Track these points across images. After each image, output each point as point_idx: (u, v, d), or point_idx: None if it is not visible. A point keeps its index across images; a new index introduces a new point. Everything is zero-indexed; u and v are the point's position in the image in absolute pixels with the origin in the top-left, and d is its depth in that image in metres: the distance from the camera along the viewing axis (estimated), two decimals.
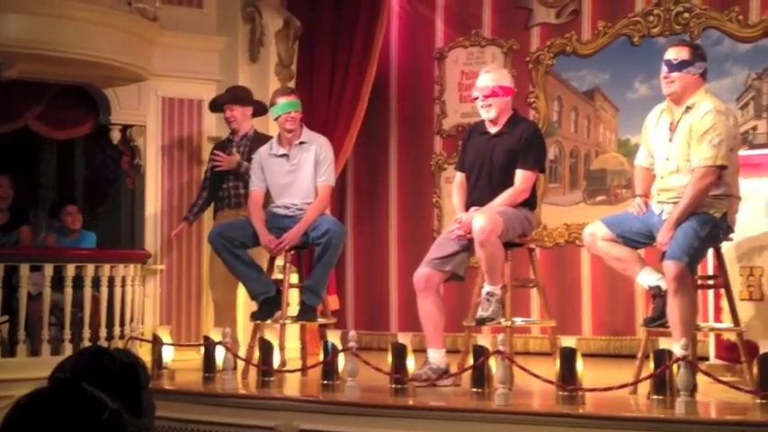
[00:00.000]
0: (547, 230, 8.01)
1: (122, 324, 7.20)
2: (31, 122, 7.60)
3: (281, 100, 6.54)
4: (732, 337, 5.68)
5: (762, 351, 4.65)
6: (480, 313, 5.65)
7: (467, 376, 5.32)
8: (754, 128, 7.41)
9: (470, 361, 5.22)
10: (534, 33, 8.20)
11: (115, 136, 7.87)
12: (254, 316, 6.45)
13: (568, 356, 4.90)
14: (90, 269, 7.05)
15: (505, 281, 5.70)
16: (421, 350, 5.80)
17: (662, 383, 4.79)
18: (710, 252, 5.48)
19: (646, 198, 5.50)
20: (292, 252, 6.48)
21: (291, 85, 8.01)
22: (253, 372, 6.02)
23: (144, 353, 6.28)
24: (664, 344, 4.88)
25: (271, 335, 6.00)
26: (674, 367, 4.68)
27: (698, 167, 5.13)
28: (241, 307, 7.20)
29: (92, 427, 1.62)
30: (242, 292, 6.89)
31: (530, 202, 5.88)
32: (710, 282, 5.74)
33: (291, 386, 5.95)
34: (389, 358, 5.32)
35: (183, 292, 7.91)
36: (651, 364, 4.88)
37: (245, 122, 7.21)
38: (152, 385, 2.19)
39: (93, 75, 7.42)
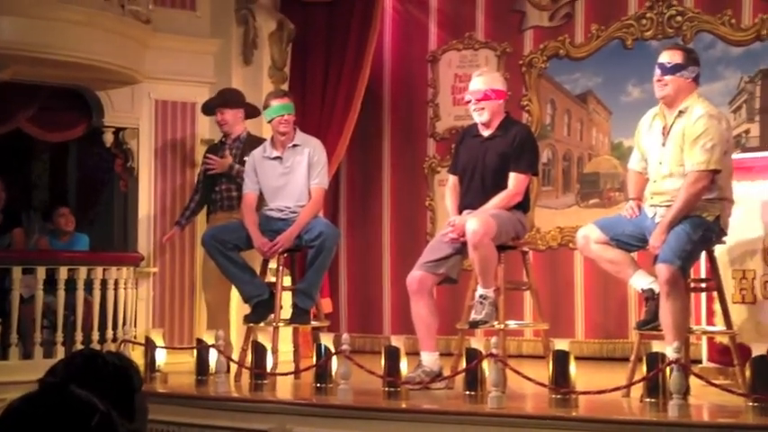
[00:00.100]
0: (540, 233, 8.01)
1: (115, 327, 7.18)
2: (23, 125, 7.58)
3: (275, 103, 6.54)
4: (725, 340, 5.69)
5: (754, 354, 4.65)
6: (473, 316, 5.65)
7: (460, 379, 5.32)
8: (747, 131, 7.42)
9: (463, 364, 5.22)
10: (527, 36, 8.21)
11: (108, 138, 7.85)
12: (247, 319, 6.44)
13: (561, 359, 4.90)
14: (83, 272, 7.03)
15: (499, 284, 5.70)
16: (414, 353, 5.79)
17: (655, 386, 4.79)
18: (703, 255, 5.49)
19: (639, 201, 5.50)
20: (285, 255, 6.47)
21: (285, 87, 8.00)
22: (246, 375, 6.01)
23: (137, 356, 6.28)
24: (657, 347, 4.88)
25: (264, 338, 6.00)
26: (667, 370, 4.69)
27: (691, 172, 5.14)
28: (234, 310, 7.19)
29: (82, 431, 1.62)
30: (235, 294, 6.88)
31: (523, 205, 5.89)
32: (703, 285, 5.76)
33: (284, 389, 5.94)
34: (382, 361, 5.32)
35: (176, 294, 7.90)
36: (644, 367, 4.89)
37: (237, 125, 7.21)
38: (145, 388, 2.18)
39: (86, 77, 7.41)
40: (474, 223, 5.52)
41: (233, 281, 6.56)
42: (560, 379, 4.89)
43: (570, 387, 4.87)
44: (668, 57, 5.32)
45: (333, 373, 5.48)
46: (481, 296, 5.62)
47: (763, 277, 5.79)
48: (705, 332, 5.89)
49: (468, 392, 5.13)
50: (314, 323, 6.54)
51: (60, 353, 6.66)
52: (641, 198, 5.50)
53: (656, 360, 4.79)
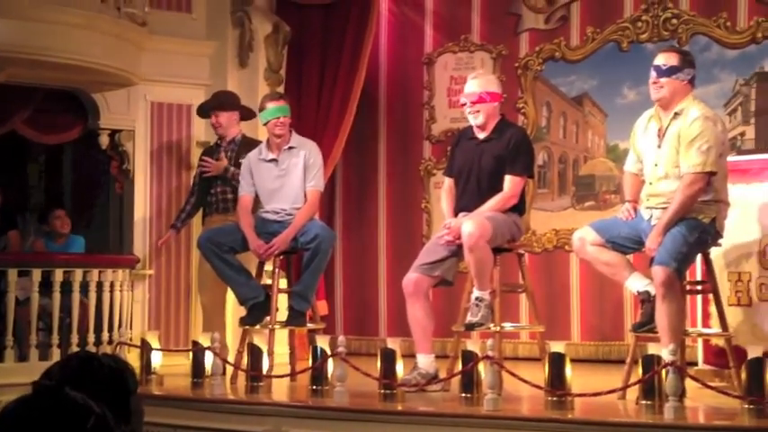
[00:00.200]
0: (536, 236, 8.02)
1: (111, 329, 7.17)
2: (19, 127, 7.57)
3: (271, 105, 6.53)
4: (720, 342, 5.69)
5: (750, 356, 4.66)
6: (469, 318, 5.65)
7: (456, 381, 5.32)
8: (742, 134, 7.43)
9: (459, 366, 5.22)
10: (523, 39, 8.22)
11: (104, 141, 7.85)
12: (242, 321, 6.43)
13: (557, 362, 4.90)
14: (78, 274, 7.03)
15: (494, 286, 5.70)
16: (410, 355, 5.79)
17: (650, 389, 4.79)
18: (699, 257, 5.49)
19: (635, 203, 5.51)
20: (281, 257, 6.47)
21: (280, 90, 8.00)
22: (242, 377, 6.00)
23: (132, 358, 6.26)
24: (652, 349, 4.88)
25: (260, 340, 5.99)
26: (663, 372, 4.69)
27: (687, 174, 5.15)
28: (230, 312, 7.19)
29: None
30: (231, 297, 6.87)
31: (518, 208, 5.89)
32: (699, 287, 5.76)
33: (280, 391, 5.94)
34: (378, 363, 5.31)
35: (172, 297, 7.89)
36: (640, 370, 4.88)
37: (232, 127, 7.21)
38: (140, 391, 2.18)
39: (81, 79, 7.40)
40: (470, 226, 5.52)
41: (229, 283, 6.56)
42: (556, 381, 4.88)
43: (566, 389, 4.87)
44: (664, 59, 5.33)
45: (329, 376, 5.48)
46: (477, 298, 5.62)
47: (758, 279, 5.79)
48: (701, 334, 5.89)
49: (463, 395, 5.13)
50: (310, 325, 6.53)
51: (56, 355, 6.66)
52: (637, 200, 5.51)
53: (651, 362, 4.79)
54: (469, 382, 5.11)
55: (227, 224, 6.73)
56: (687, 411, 4.68)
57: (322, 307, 7.69)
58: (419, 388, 5.53)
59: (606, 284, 6.88)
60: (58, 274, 6.91)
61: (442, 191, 6.11)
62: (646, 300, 5.30)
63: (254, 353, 5.82)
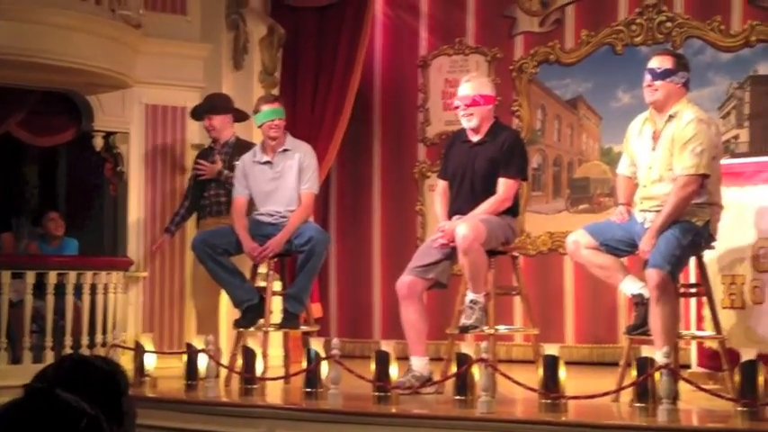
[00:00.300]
0: (530, 238, 8.02)
1: (104, 332, 7.16)
2: (13, 129, 7.56)
3: (265, 107, 6.53)
4: (714, 345, 5.70)
5: (743, 359, 4.66)
6: (463, 321, 5.65)
7: (450, 384, 5.32)
8: (736, 137, 7.45)
9: (453, 369, 5.22)
10: (518, 42, 8.23)
11: (98, 143, 7.84)
12: (236, 323, 6.43)
13: (551, 364, 4.90)
14: (72, 276, 7.01)
15: (489, 289, 5.70)
16: (404, 358, 5.79)
17: (644, 391, 4.80)
18: (693, 260, 5.50)
19: (628, 206, 5.52)
20: (275, 259, 6.47)
21: (275, 92, 8.00)
22: (236, 379, 6.00)
23: (126, 360, 6.26)
24: (646, 352, 4.89)
25: (254, 342, 5.98)
26: (657, 375, 4.70)
27: (680, 176, 5.16)
28: (224, 314, 7.18)
29: None
30: (225, 299, 6.87)
31: (512, 210, 5.89)
32: (693, 290, 5.76)
33: (274, 394, 5.93)
34: (372, 366, 5.31)
35: (166, 299, 7.89)
36: (633, 372, 4.89)
37: (226, 130, 7.20)
38: (134, 393, 2.18)
39: (76, 81, 7.39)
40: (464, 228, 5.52)
41: (223, 286, 6.55)
42: (550, 384, 4.89)
43: (560, 392, 4.87)
44: (658, 62, 5.34)
45: (323, 378, 5.47)
46: (471, 301, 5.62)
47: (752, 282, 5.79)
48: (694, 337, 5.90)
49: (457, 397, 5.13)
50: (304, 328, 6.53)
51: (49, 357, 6.64)
52: (631, 203, 5.52)
53: (645, 365, 4.80)
54: (463, 384, 5.11)
55: (222, 226, 6.73)
56: (680, 414, 4.68)
57: (316, 309, 7.68)
58: (413, 390, 5.52)
59: (600, 287, 6.89)
60: (52, 277, 6.90)
61: (436, 193, 6.11)
62: (639, 302, 5.31)
63: (248, 355, 5.81)
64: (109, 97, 7.72)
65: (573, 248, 5.52)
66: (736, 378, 4.70)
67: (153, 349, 6.33)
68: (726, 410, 4.77)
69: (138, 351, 6.26)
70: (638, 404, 4.82)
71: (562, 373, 4.89)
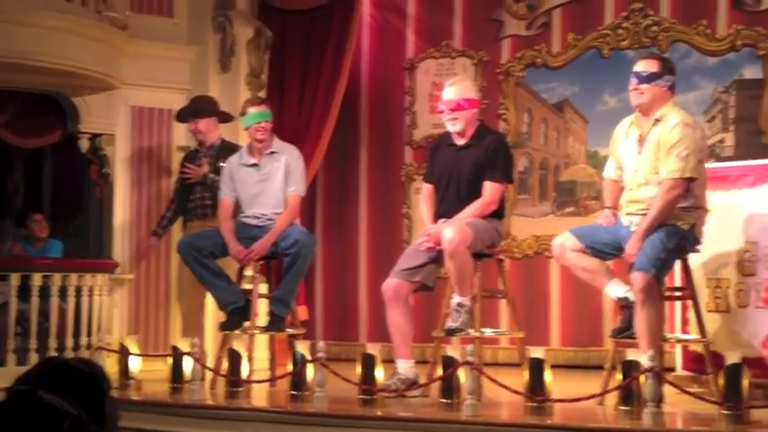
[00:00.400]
0: (516, 241, 8.03)
1: (89, 334, 7.13)
2: None
3: (252, 110, 6.53)
4: (699, 348, 5.71)
5: (728, 362, 4.68)
6: (449, 324, 5.65)
7: (436, 387, 5.32)
8: (722, 141, 7.48)
9: (439, 372, 5.21)
10: (505, 45, 8.24)
11: (84, 144, 7.82)
12: (222, 326, 6.42)
13: (537, 367, 4.91)
14: (57, 278, 6.98)
15: (475, 292, 5.71)
16: (390, 361, 5.79)
17: (629, 394, 4.80)
18: (678, 264, 5.51)
19: (614, 210, 5.53)
20: (261, 262, 6.46)
21: (262, 95, 7.99)
22: (221, 382, 5.98)
23: (111, 363, 6.24)
24: (631, 355, 4.89)
25: (239, 345, 5.97)
26: (642, 378, 4.71)
27: (666, 179, 5.17)
28: (209, 317, 7.16)
29: None
30: (210, 302, 6.85)
31: (498, 213, 5.90)
32: (678, 293, 5.78)
33: (260, 397, 5.92)
34: (358, 369, 5.31)
35: (152, 302, 7.86)
36: (619, 375, 4.90)
37: (211, 132, 7.18)
38: (119, 396, 2.18)
39: (61, 83, 7.36)
40: (450, 232, 5.52)
41: (208, 288, 6.54)
42: (536, 387, 4.89)
43: (545, 395, 4.88)
44: (644, 65, 5.36)
45: (308, 381, 5.46)
46: (457, 304, 5.62)
47: (737, 286, 5.82)
48: (679, 340, 5.91)
49: (443, 400, 5.13)
50: (290, 331, 6.52)
51: (34, 360, 6.60)
52: (617, 206, 5.53)
53: (630, 368, 4.81)
54: (449, 387, 5.11)
55: (208, 229, 6.71)
56: (665, 417, 4.69)
57: (302, 312, 7.68)
58: (399, 393, 5.52)
59: (586, 290, 6.89)
60: (37, 279, 6.87)
61: (422, 197, 6.11)
62: (625, 306, 5.32)
63: (234, 358, 5.80)
64: (95, 99, 7.70)
65: (559, 251, 5.52)
66: (721, 381, 4.71)
67: (138, 352, 6.31)
68: (710, 414, 4.78)
69: (123, 353, 6.24)
70: (623, 407, 4.83)
71: (548, 376, 4.90)
